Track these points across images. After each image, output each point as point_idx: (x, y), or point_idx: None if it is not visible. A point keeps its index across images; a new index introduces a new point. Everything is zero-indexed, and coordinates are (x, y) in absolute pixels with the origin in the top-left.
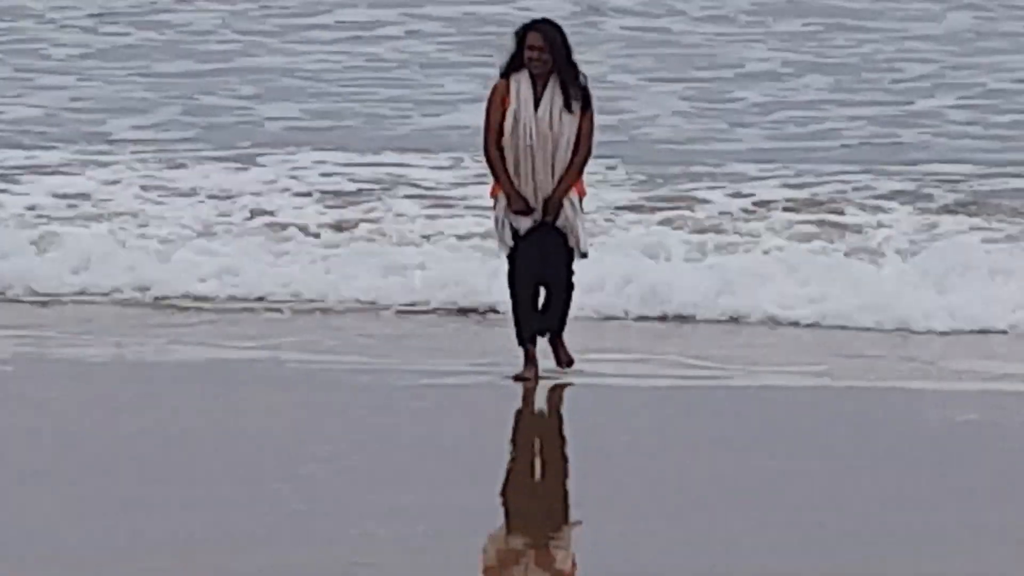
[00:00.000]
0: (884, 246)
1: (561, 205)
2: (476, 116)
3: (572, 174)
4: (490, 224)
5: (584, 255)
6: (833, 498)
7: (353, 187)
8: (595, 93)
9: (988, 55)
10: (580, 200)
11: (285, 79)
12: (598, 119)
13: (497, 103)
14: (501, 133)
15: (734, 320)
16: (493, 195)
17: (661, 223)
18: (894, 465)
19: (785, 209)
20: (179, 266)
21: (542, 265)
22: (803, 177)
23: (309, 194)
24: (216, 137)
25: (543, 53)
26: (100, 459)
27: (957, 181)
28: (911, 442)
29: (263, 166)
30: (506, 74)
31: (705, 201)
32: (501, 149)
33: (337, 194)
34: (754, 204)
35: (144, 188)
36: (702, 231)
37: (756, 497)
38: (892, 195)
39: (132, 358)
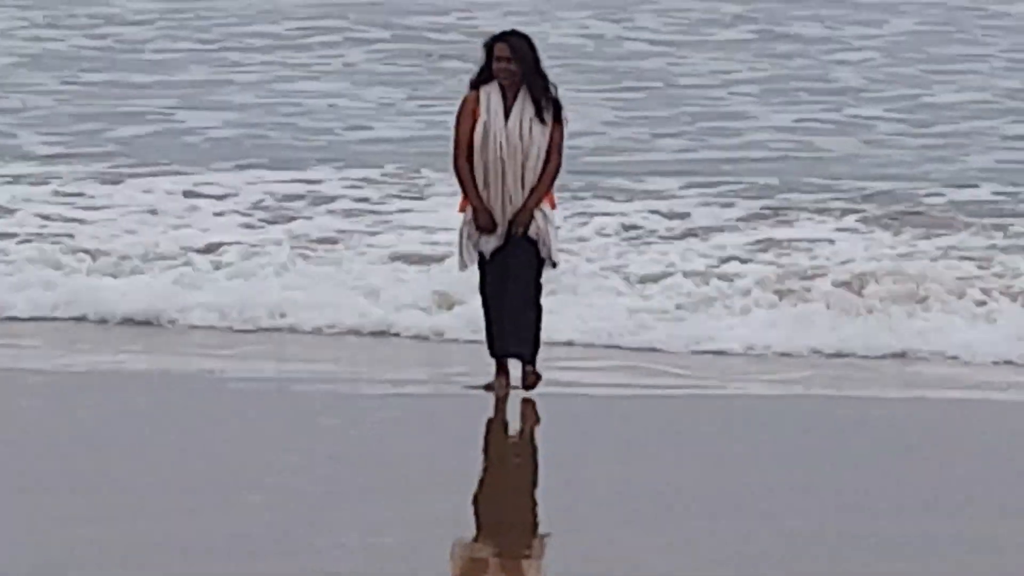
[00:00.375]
0: (831, 268)
1: (531, 218)
2: (395, 129)
3: (543, 186)
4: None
5: (554, 265)
6: (809, 505)
7: (277, 203)
8: None
9: (925, 65)
10: (551, 211)
11: (217, 90)
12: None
13: (467, 115)
14: (470, 145)
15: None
16: (461, 210)
17: (597, 249)
18: (871, 472)
19: (717, 230)
20: (125, 285)
21: (508, 277)
22: (727, 195)
23: (237, 211)
24: (137, 152)
25: (510, 64)
26: (72, 471)
27: (881, 194)
28: (885, 449)
29: (182, 182)
30: (476, 86)
31: (622, 214)
32: (471, 162)
33: (266, 209)
34: (684, 223)
35: (59, 204)
36: (633, 250)
37: (731, 505)
38: (818, 209)
39: (101, 370)
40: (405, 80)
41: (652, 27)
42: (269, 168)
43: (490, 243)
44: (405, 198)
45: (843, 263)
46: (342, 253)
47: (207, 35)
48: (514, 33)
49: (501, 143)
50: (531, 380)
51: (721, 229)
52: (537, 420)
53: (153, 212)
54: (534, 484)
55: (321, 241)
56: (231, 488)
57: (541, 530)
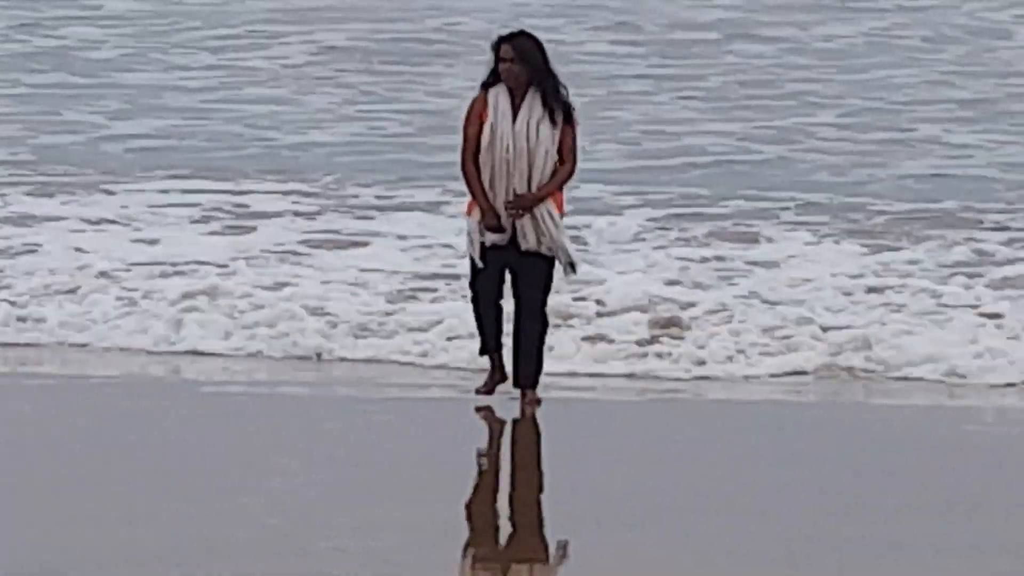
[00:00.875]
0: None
1: (534, 204)
2: (333, 135)
3: (553, 184)
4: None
5: (575, 269)
6: (811, 507)
7: (208, 215)
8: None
9: (874, 71)
10: (560, 217)
11: (163, 93)
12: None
13: (475, 117)
14: (478, 147)
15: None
16: (468, 212)
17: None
18: (873, 474)
19: (670, 243)
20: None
21: (503, 288)
22: (663, 204)
23: (175, 225)
24: (64, 159)
25: (513, 64)
26: (71, 473)
27: (816, 204)
28: (886, 451)
29: (114, 194)
30: (486, 87)
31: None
32: (478, 164)
33: (204, 222)
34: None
35: None
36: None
37: (731, 507)
38: (769, 221)
39: (99, 374)
40: (349, 84)
41: (618, 31)
42: (198, 178)
43: (492, 238)
44: (342, 211)
45: (808, 281)
46: (283, 269)
47: (166, 39)
48: (522, 34)
49: (508, 145)
50: (531, 409)
51: (671, 244)
52: (536, 423)
53: (80, 231)
54: (534, 487)
55: (265, 258)
56: (229, 491)
57: (541, 533)
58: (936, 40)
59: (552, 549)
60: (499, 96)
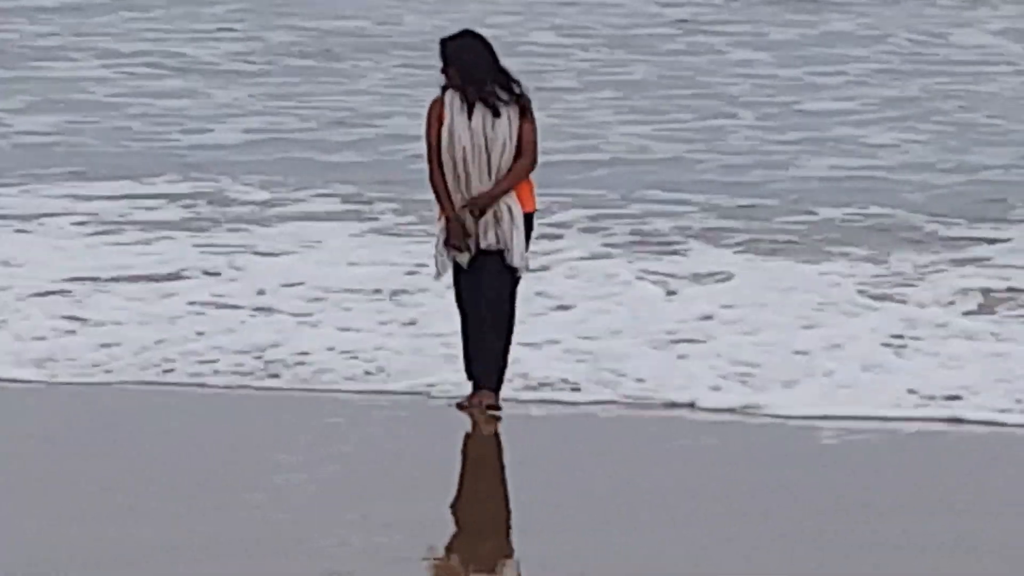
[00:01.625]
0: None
1: (491, 202)
2: (229, 132)
3: (511, 177)
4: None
5: (517, 270)
6: (796, 508)
7: (88, 220)
8: (370, 108)
9: (813, 67)
10: (531, 216)
11: (80, 85)
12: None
13: (433, 120)
14: (440, 149)
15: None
16: (440, 219)
17: None
18: (859, 473)
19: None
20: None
21: (482, 291)
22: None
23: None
24: None
25: (446, 67)
26: (77, 472)
27: (719, 207)
28: (870, 450)
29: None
30: (445, 89)
31: None
32: (442, 167)
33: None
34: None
35: None
36: None
37: (719, 507)
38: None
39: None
40: (268, 81)
41: (576, 27)
42: (85, 179)
43: (464, 257)
44: (241, 218)
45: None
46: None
47: (110, 28)
48: (463, 34)
49: (465, 145)
50: (486, 405)
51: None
52: (539, 424)
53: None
54: (532, 487)
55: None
56: (232, 488)
57: (542, 532)
58: (900, 38)
59: (556, 548)
60: (455, 97)
